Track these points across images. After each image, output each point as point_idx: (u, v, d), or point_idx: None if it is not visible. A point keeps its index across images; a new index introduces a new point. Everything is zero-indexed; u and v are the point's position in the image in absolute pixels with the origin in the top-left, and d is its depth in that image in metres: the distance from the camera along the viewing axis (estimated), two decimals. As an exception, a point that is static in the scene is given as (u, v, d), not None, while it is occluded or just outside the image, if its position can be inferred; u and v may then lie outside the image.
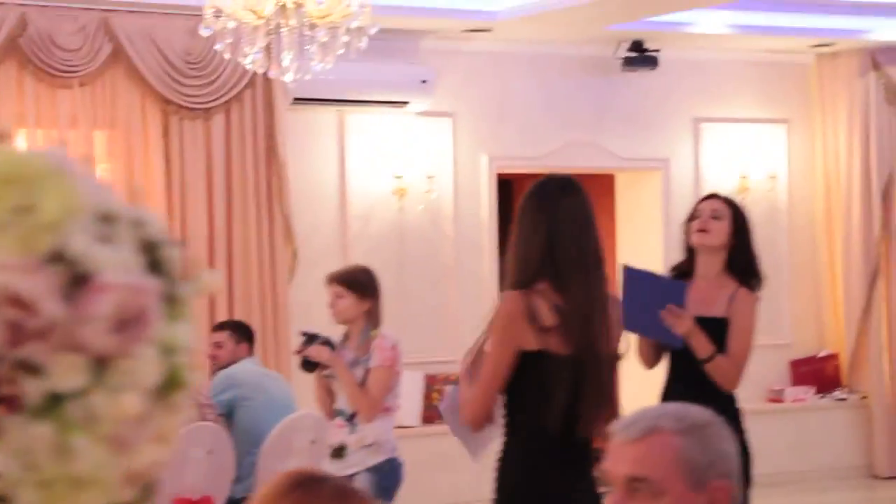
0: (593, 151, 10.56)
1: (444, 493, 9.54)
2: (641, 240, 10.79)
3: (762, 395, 11.07)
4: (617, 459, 2.30)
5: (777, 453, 10.35)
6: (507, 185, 12.31)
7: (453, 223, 10.04)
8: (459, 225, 10.07)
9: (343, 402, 5.91)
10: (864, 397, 11.10)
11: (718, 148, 10.96)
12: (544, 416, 3.90)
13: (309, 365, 6.05)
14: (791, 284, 11.21)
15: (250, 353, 7.16)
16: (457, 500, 9.59)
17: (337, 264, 9.58)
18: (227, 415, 6.87)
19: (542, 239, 3.90)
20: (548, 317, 3.84)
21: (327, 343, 5.98)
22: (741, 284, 5.10)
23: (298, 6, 6.58)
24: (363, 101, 9.60)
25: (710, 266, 5.16)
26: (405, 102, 9.70)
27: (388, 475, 5.88)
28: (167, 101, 8.83)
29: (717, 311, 5.05)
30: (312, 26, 6.59)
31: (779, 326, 11.17)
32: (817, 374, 11.22)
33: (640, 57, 10.34)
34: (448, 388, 4.68)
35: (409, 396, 9.64)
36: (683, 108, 10.86)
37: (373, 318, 5.96)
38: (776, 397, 11.03)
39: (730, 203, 5.23)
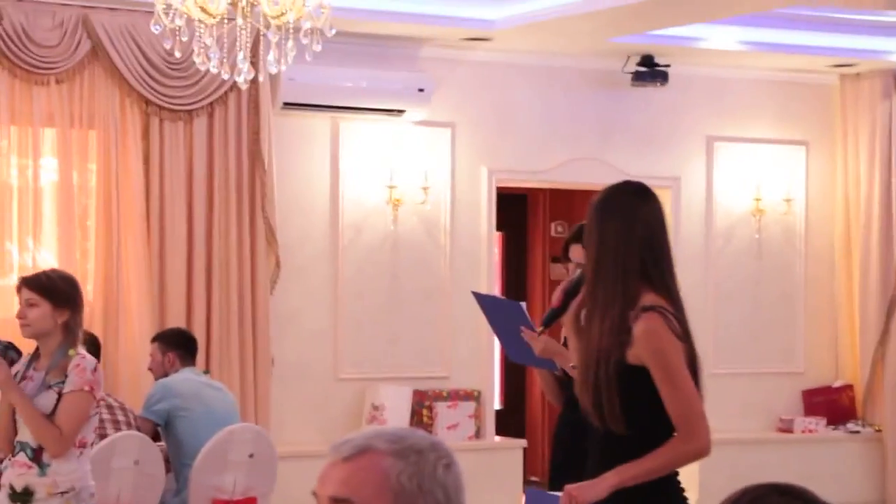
0: (600, 168, 10.17)
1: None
2: (650, 260, 10.39)
3: (771, 424, 10.65)
4: (324, 480, 2.01)
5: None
6: (520, 200, 12.01)
7: (449, 235, 9.71)
8: (456, 237, 9.74)
9: (27, 434, 4.89)
10: (879, 430, 10.62)
11: (732, 168, 10.55)
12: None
13: None
14: (806, 311, 10.78)
15: (187, 363, 6.86)
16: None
17: (328, 273, 9.37)
18: (164, 425, 6.60)
19: (636, 247, 3.72)
20: (676, 326, 3.73)
21: (8, 350, 5.13)
22: None
23: (253, 5, 6.29)
24: (358, 108, 9.31)
25: None
26: (402, 111, 9.40)
27: None
28: (147, 102, 8.58)
29: None
30: (267, 26, 6.29)
31: (792, 354, 10.76)
32: (831, 404, 10.75)
33: (650, 72, 9.94)
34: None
35: (397, 412, 9.34)
36: (696, 126, 10.46)
37: (71, 333, 4.91)
38: (786, 427, 10.58)
39: None
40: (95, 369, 4.89)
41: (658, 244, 3.75)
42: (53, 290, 4.93)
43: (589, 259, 3.81)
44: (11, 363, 4.99)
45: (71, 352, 4.88)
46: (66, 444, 4.85)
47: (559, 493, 3.80)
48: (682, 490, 3.88)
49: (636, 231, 3.73)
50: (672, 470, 3.75)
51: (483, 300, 4.62)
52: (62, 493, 4.85)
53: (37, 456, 4.89)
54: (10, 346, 5.14)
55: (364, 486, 1.97)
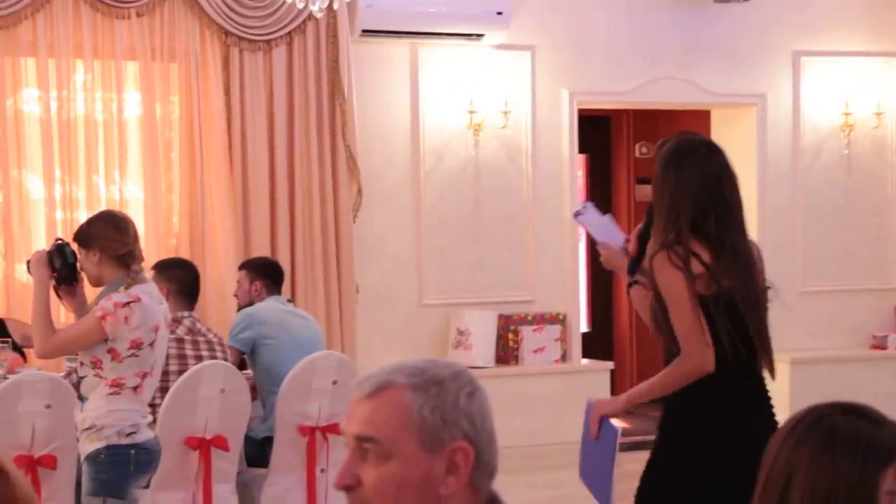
0: (684, 87, 10.06)
1: (517, 436, 9.26)
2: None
3: (864, 341, 10.53)
4: (349, 417, 2.02)
5: (878, 403, 9.77)
6: (604, 121, 11.92)
7: (531, 159, 9.67)
8: (538, 161, 9.70)
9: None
10: (975, 346, 10.47)
11: (820, 83, 10.36)
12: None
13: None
14: (897, 226, 10.61)
15: (273, 291, 6.90)
16: (531, 441, 9.31)
17: (410, 200, 9.39)
18: (250, 353, 6.67)
19: (687, 199, 4.03)
20: (695, 265, 3.98)
21: (63, 247, 5.03)
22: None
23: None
24: (437, 34, 9.25)
25: None
26: (481, 35, 9.33)
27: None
28: (227, 33, 8.61)
29: None
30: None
31: (884, 270, 10.61)
32: (924, 320, 10.61)
33: (734, -13, 9.79)
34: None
35: (482, 337, 9.38)
36: (781, 42, 10.27)
37: (115, 270, 4.93)
38: (879, 344, 10.45)
39: None
40: (125, 305, 4.84)
41: (711, 198, 4.02)
42: (79, 235, 5.00)
43: (654, 205, 4.13)
44: (62, 262, 5.01)
45: (122, 288, 4.90)
46: (48, 348, 4.92)
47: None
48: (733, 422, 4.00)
49: (690, 186, 4.02)
50: (676, 386, 3.98)
51: (584, 217, 4.60)
52: (86, 428, 4.93)
53: (79, 391, 5.01)
54: (62, 245, 5.06)
55: (387, 422, 1.97)
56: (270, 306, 6.76)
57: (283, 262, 8.51)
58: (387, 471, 1.95)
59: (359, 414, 2.00)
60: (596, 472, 4.22)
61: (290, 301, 7.35)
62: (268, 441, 6.43)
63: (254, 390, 6.54)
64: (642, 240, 4.27)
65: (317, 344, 6.73)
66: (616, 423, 4.18)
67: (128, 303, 4.86)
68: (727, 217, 4.04)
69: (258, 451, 6.49)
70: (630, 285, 4.34)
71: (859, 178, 10.51)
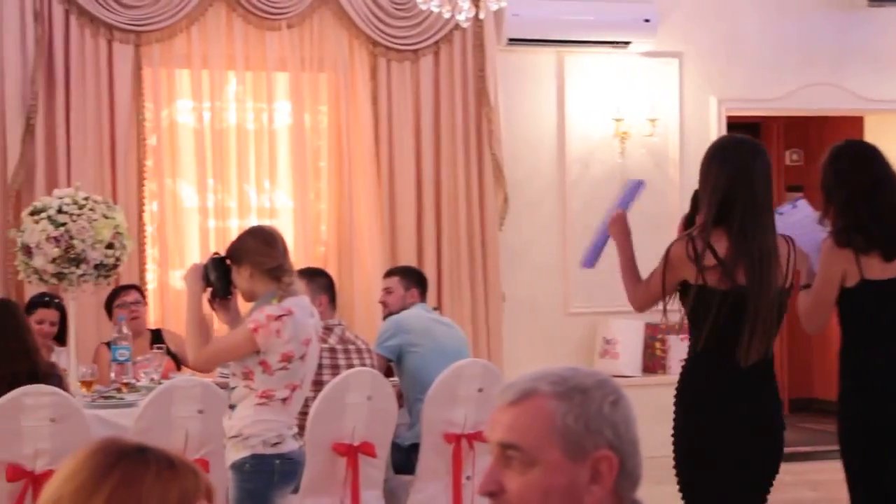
0: (835, 93, 9.88)
1: (662, 446, 9.15)
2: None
3: None
4: (493, 425, 2.02)
5: None
6: (753, 129, 11.76)
7: (678, 167, 9.59)
8: (686, 169, 9.59)
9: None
10: None
11: (976, 88, 10.09)
12: (698, 341, 4.42)
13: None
14: None
15: (421, 299, 6.94)
16: (671, 452, 9.20)
17: (556, 208, 9.37)
18: (396, 361, 6.71)
19: (719, 192, 4.35)
20: (709, 258, 4.30)
21: (218, 262, 5.05)
22: None
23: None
24: (583, 42, 9.25)
25: None
26: (627, 42, 9.30)
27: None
28: (375, 43, 8.71)
29: None
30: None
31: None
32: None
33: (888, -9, 9.60)
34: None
35: (629, 346, 9.33)
36: (936, 46, 10.05)
37: (267, 284, 4.99)
38: None
39: None
40: (277, 318, 4.86)
41: (740, 193, 4.32)
42: (231, 252, 5.04)
43: (699, 194, 4.54)
44: (217, 276, 5.04)
45: (274, 300, 4.92)
46: (200, 359, 4.98)
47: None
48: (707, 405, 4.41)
49: (722, 180, 4.35)
50: (622, 272, 4.92)
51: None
52: (233, 436, 4.96)
53: (229, 400, 5.05)
54: (218, 259, 5.08)
55: (530, 430, 1.96)
56: (417, 314, 6.79)
57: (430, 269, 8.61)
58: (530, 478, 1.95)
59: (502, 421, 2.00)
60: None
61: (435, 309, 7.38)
62: (414, 448, 6.44)
63: (400, 397, 6.57)
64: (687, 226, 4.66)
65: (462, 352, 6.74)
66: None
67: (280, 316, 4.89)
68: (754, 213, 4.30)
69: (405, 458, 6.52)
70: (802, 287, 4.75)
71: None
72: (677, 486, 4.55)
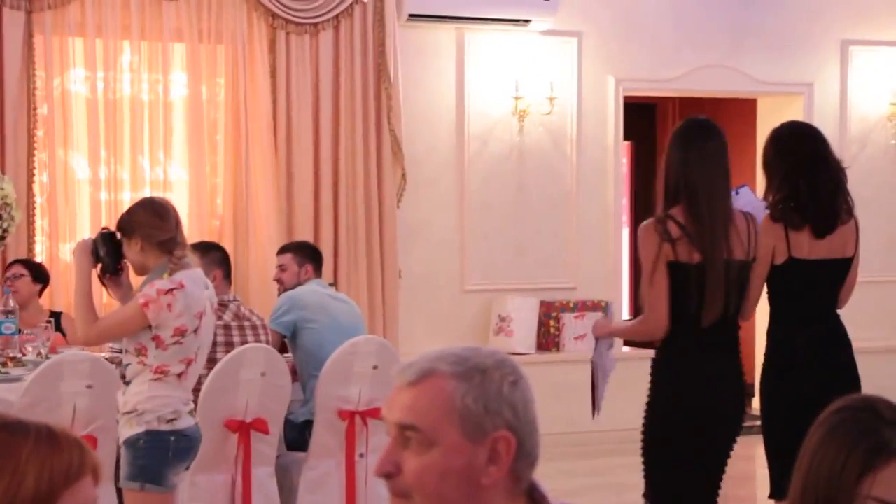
0: (730, 75, 9.95)
1: (557, 423, 9.19)
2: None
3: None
4: (391, 405, 1.99)
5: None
6: (649, 109, 11.81)
7: (576, 145, 9.59)
8: (583, 147, 9.62)
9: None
10: None
11: (868, 73, 10.22)
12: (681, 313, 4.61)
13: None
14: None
15: (316, 275, 6.87)
16: (571, 429, 9.23)
17: (454, 185, 9.34)
18: (291, 337, 6.64)
19: (678, 173, 4.55)
20: (675, 231, 4.51)
21: (106, 237, 4.96)
22: None
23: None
24: (484, 19, 9.20)
25: None
26: (527, 21, 9.27)
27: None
28: (274, 16, 8.59)
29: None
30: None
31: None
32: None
33: (783, -25, 9.67)
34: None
35: (524, 324, 9.32)
36: (830, 30, 10.15)
37: (158, 256, 4.89)
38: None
39: None
40: (168, 292, 4.76)
41: (694, 174, 4.51)
42: (120, 223, 4.93)
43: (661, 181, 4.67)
44: (107, 251, 4.94)
45: (165, 275, 4.82)
46: (91, 335, 4.89)
47: None
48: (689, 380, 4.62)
49: (677, 163, 4.55)
50: (636, 338, 4.91)
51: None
52: (127, 412, 4.86)
53: (122, 374, 4.93)
54: (107, 233, 4.98)
55: (429, 410, 1.94)
56: (312, 290, 6.72)
57: (326, 245, 8.52)
58: (428, 459, 1.93)
59: (401, 401, 1.97)
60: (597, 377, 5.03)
61: (331, 285, 7.32)
62: (307, 425, 6.38)
63: (294, 374, 6.50)
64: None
65: (358, 328, 6.69)
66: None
67: (170, 290, 4.79)
68: (711, 192, 4.51)
69: (298, 435, 6.45)
70: None
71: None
72: (644, 455, 4.69)
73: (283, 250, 7.06)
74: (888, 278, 10.32)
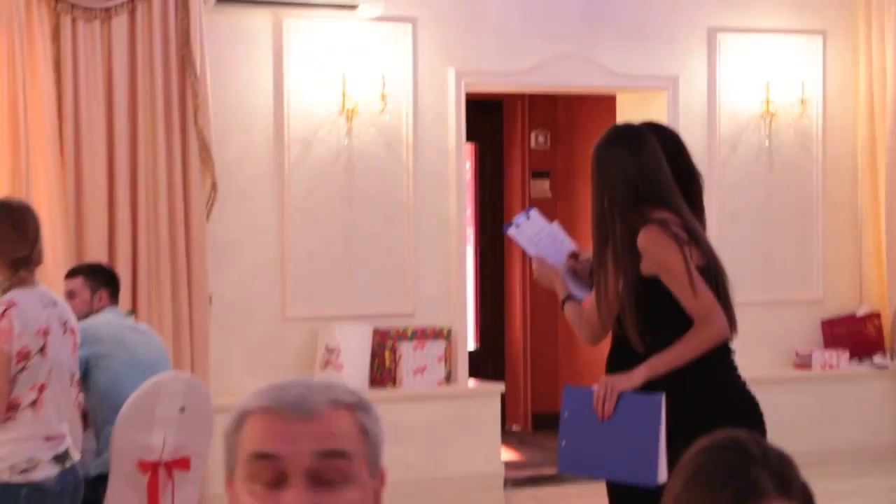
0: (586, 67, 10.05)
1: (394, 470, 9.08)
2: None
3: (786, 359, 10.59)
4: (295, 438, 1.97)
5: (800, 429, 9.89)
6: (495, 107, 11.87)
7: (412, 149, 9.60)
8: (420, 151, 9.62)
9: None
10: (908, 364, 10.59)
11: (738, 64, 10.41)
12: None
13: None
14: (825, 229, 10.68)
15: (112, 302, 6.76)
16: (410, 476, 9.15)
17: (272, 197, 9.28)
18: (82, 375, 6.45)
19: (636, 174, 4.68)
20: (682, 234, 4.67)
21: None
22: None
23: None
24: (304, 4, 9.21)
25: None
26: (354, 6, 9.29)
27: None
28: (57, -1, 8.47)
29: None
30: None
31: (809, 279, 10.69)
32: (854, 335, 10.70)
33: (643, -45, 9.80)
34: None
35: (355, 355, 9.29)
36: (695, 17, 10.32)
37: None
38: (803, 362, 10.51)
39: None
40: (1, 315, 4.76)
41: (652, 176, 4.69)
42: None
43: (592, 199, 4.76)
44: None
45: None
46: None
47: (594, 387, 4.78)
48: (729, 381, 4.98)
49: (627, 175, 4.67)
50: (696, 355, 4.69)
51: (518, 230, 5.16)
52: None
53: None
54: None
55: (350, 436, 2.00)
56: (108, 320, 6.63)
57: (124, 267, 8.43)
58: (354, 495, 1.99)
59: (314, 431, 1.97)
60: (613, 452, 4.74)
61: (130, 313, 7.22)
62: (102, 480, 6.24)
63: (86, 419, 6.35)
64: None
65: (161, 364, 6.61)
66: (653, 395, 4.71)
67: (4, 311, 4.76)
68: (667, 182, 4.75)
69: (90, 493, 6.27)
70: (564, 302, 4.91)
71: (781, 174, 10.57)
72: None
73: (72, 273, 6.92)
74: (762, 299, 10.45)
